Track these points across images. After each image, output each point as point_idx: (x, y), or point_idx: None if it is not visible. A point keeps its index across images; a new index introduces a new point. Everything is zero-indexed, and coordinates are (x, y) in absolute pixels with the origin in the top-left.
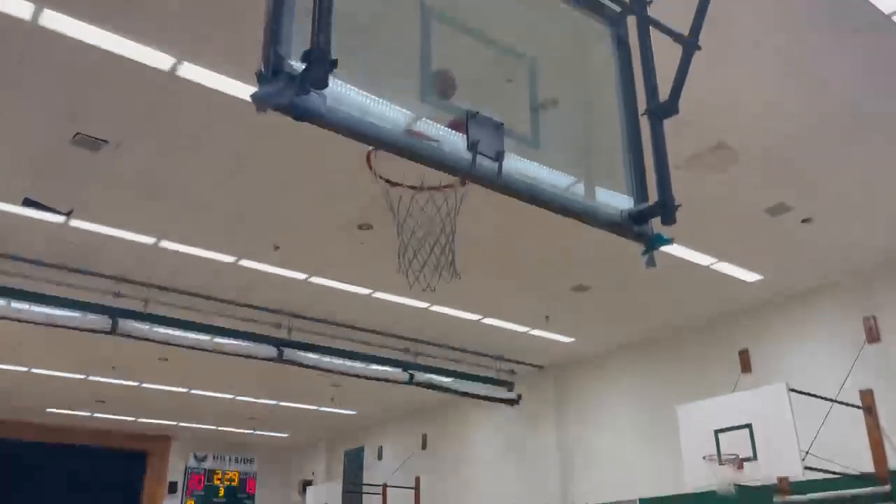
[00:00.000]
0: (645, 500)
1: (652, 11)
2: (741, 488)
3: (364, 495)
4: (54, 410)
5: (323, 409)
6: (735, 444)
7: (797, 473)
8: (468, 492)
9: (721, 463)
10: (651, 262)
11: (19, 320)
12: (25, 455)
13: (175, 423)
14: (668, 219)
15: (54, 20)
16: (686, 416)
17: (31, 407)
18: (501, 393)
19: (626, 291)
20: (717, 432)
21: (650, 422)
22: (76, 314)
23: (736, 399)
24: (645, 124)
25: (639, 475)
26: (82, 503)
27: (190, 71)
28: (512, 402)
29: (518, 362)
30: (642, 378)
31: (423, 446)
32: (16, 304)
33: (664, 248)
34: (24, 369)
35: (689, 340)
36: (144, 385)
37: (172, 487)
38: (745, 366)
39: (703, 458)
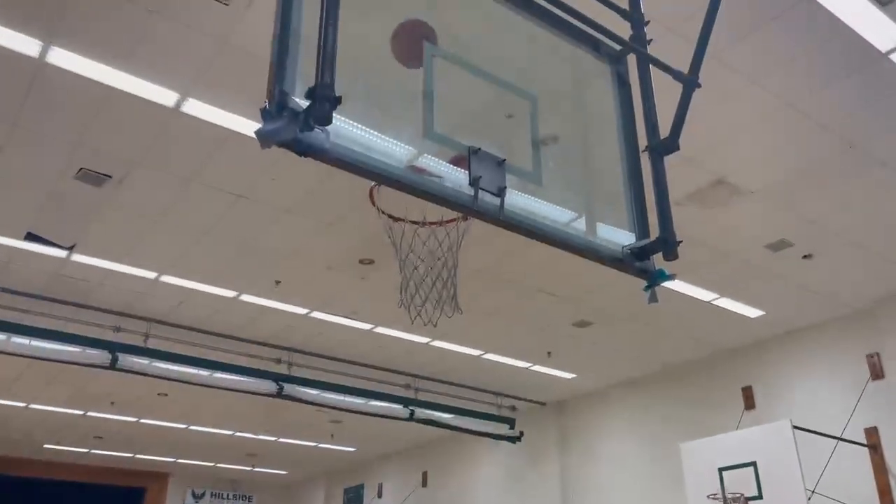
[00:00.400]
0: None
1: (652, 49)
2: None
3: None
4: (52, 447)
5: (322, 445)
6: (740, 482)
7: None
8: None
9: (725, 502)
10: (653, 298)
11: (19, 355)
12: (23, 491)
13: (173, 459)
14: (670, 254)
15: (61, 57)
16: (689, 454)
17: (29, 443)
18: (503, 430)
19: (628, 327)
20: (721, 470)
21: (653, 459)
22: (76, 349)
23: (740, 436)
24: (646, 161)
25: None
26: None
27: (194, 107)
28: (513, 440)
29: (520, 398)
30: (645, 414)
31: (424, 483)
32: (16, 339)
33: (666, 284)
34: (23, 405)
35: (692, 376)
36: (143, 421)
37: None
38: (749, 402)
39: (708, 496)
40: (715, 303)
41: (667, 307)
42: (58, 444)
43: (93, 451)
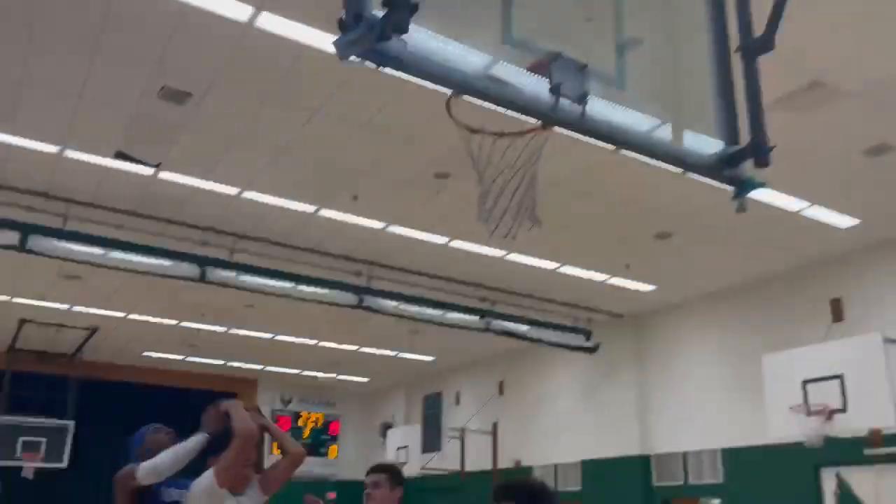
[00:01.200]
0: (727, 450)
1: None
2: (830, 440)
3: (443, 439)
4: (150, 354)
5: (402, 355)
6: (824, 394)
7: (891, 425)
8: (545, 438)
9: (809, 414)
10: (742, 207)
11: (116, 268)
12: (124, 396)
13: (261, 367)
14: (762, 161)
15: None
16: (773, 367)
17: (130, 351)
18: (579, 341)
19: (711, 238)
20: (805, 383)
21: (734, 372)
22: (167, 263)
23: (826, 349)
24: (737, 62)
25: (721, 426)
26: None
27: (268, 21)
28: (589, 351)
29: (596, 310)
30: (727, 327)
31: (501, 392)
32: (112, 254)
33: (754, 193)
34: (122, 315)
35: (778, 289)
36: (232, 331)
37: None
38: (837, 315)
39: (790, 408)
40: (804, 213)
41: (753, 217)
42: (155, 351)
43: (187, 358)
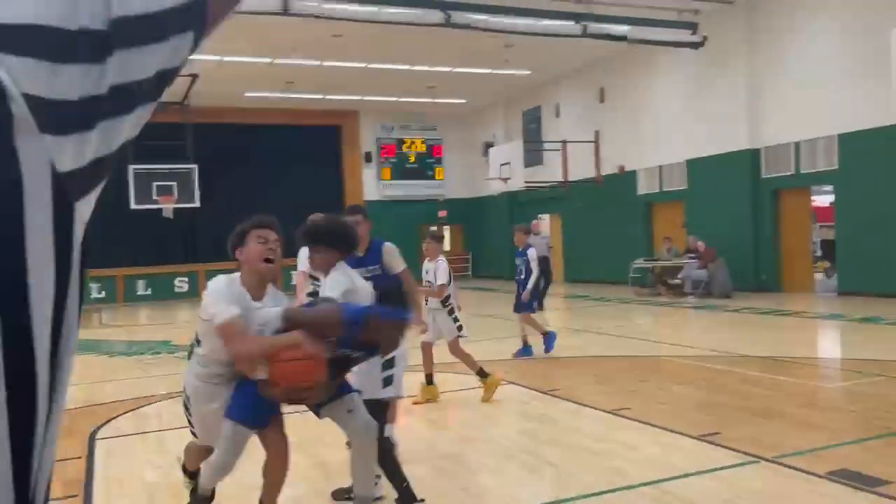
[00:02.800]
0: (845, 135)
1: None
2: None
3: (544, 152)
4: (252, 94)
5: (497, 71)
6: None
7: None
8: (649, 142)
9: None
10: None
11: None
12: (234, 136)
13: (360, 97)
14: None
15: None
16: None
17: (232, 93)
18: (684, 36)
19: None
20: None
21: (855, 51)
22: None
23: None
24: None
25: (839, 110)
26: (290, 176)
27: None
28: (695, 46)
29: (703, 0)
30: (848, 2)
31: (601, 100)
32: None
33: None
34: (217, 58)
35: None
36: (325, 63)
37: (367, 157)
38: None
39: None
40: None
41: None
42: (256, 91)
43: (287, 94)
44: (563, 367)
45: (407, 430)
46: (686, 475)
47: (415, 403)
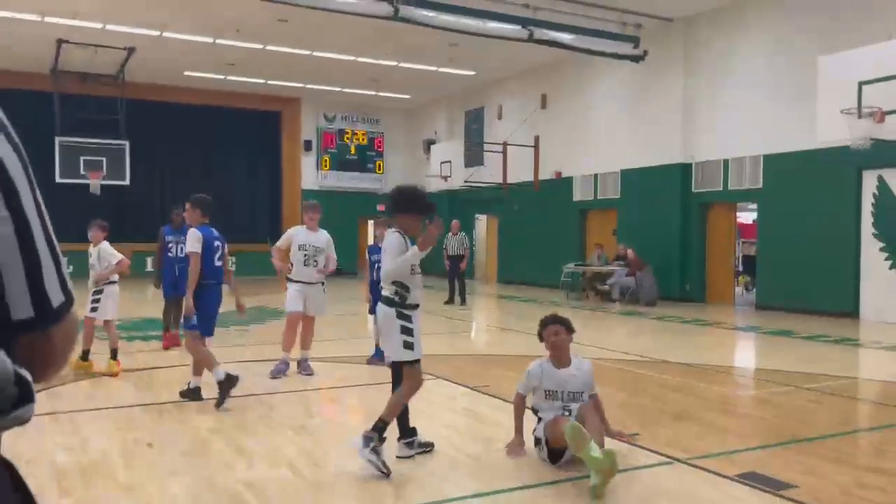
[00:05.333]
0: (770, 156)
1: None
2: (878, 143)
3: (485, 153)
4: (191, 73)
5: (442, 69)
6: (879, 97)
7: None
8: (588, 149)
9: (860, 117)
10: None
11: None
12: (169, 115)
13: (303, 84)
14: None
15: None
16: (828, 67)
17: (170, 70)
18: (626, 49)
19: None
20: (861, 84)
21: (785, 77)
22: None
23: (890, 48)
24: None
25: (766, 131)
26: (227, 159)
27: None
28: (637, 59)
29: (645, 15)
30: (782, 28)
31: (543, 106)
32: None
33: None
34: (157, 33)
35: None
36: (269, 47)
37: (307, 146)
38: None
39: (841, 111)
40: None
41: None
42: (196, 71)
43: (228, 77)
44: (491, 364)
45: (334, 421)
46: None
47: None
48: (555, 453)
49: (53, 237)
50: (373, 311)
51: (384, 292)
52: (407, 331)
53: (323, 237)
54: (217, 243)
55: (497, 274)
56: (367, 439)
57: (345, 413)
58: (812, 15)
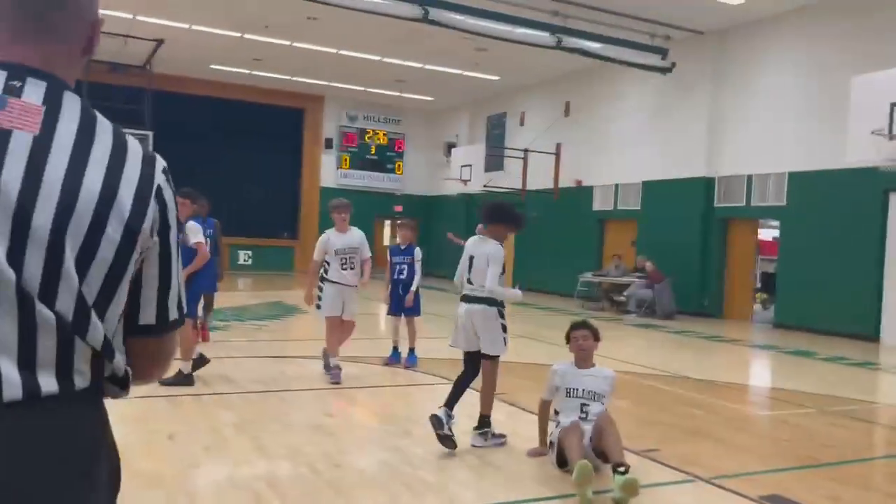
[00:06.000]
0: (795, 173)
1: None
2: None
3: (505, 159)
4: (218, 67)
5: (467, 73)
6: None
7: None
8: (608, 159)
9: (891, 138)
10: None
11: None
12: (194, 108)
13: (327, 82)
14: None
15: None
16: (861, 88)
17: (197, 63)
18: (654, 60)
19: None
20: (893, 105)
21: (816, 94)
22: None
23: None
24: None
25: (793, 149)
26: (248, 154)
27: None
28: (664, 71)
29: (675, 27)
30: (815, 45)
31: (566, 113)
32: None
33: None
34: (186, 26)
35: (880, 2)
36: (296, 44)
37: (328, 143)
38: None
39: (872, 132)
40: None
41: None
42: (222, 65)
43: (254, 72)
44: (503, 370)
45: (351, 421)
46: None
47: None
48: (563, 459)
49: (181, 268)
50: (393, 311)
51: (484, 294)
52: (505, 328)
53: (356, 236)
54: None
55: (512, 281)
56: (482, 436)
57: (362, 413)
58: (848, 33)
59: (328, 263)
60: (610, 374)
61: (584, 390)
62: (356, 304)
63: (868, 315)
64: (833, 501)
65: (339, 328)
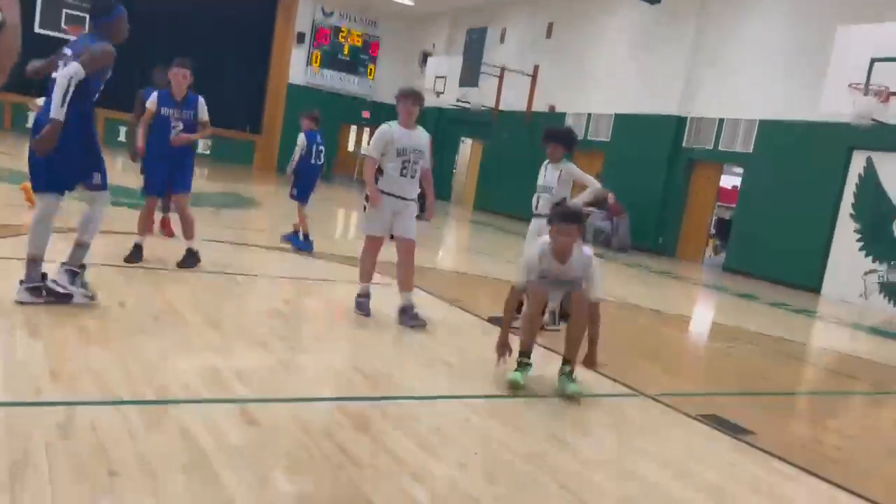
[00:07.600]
0: (765, 121)
1: None
2: (875, 124)
3: (481, 76)
4: None
5: None
6: (890, 76)
7: None
8: (586, 87)
9: (866, 93)
10: None
11: None
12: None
13: None
14: None
15: None
16: (844, 39)
17: None
18: None
19: None
20: (874, 60)
21: (798, 42)
22: None
23: None
24: None
25: (768, 97)
26: (215, 41)
27: None
28: (653, 1)
29: None
30: None
31: (548, 35)
32: None
33: None
34: None
35: None
36: None
37: (300, 38)
38: None
39: (849, 85)
40: None
41: None
42: None
43: None
44: (465, 284)
45: (308, 310)
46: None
47: None
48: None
49: None
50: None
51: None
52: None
53: (424, 137)
54: None
55: (473, 200)
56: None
57: (316, 302)
58: None
59: (380, 171)
60: (587, 253)
61: (558, 280)
62: (413, 222)
63: (813, 268)
64: (766, 426)
65: (378, 253)
